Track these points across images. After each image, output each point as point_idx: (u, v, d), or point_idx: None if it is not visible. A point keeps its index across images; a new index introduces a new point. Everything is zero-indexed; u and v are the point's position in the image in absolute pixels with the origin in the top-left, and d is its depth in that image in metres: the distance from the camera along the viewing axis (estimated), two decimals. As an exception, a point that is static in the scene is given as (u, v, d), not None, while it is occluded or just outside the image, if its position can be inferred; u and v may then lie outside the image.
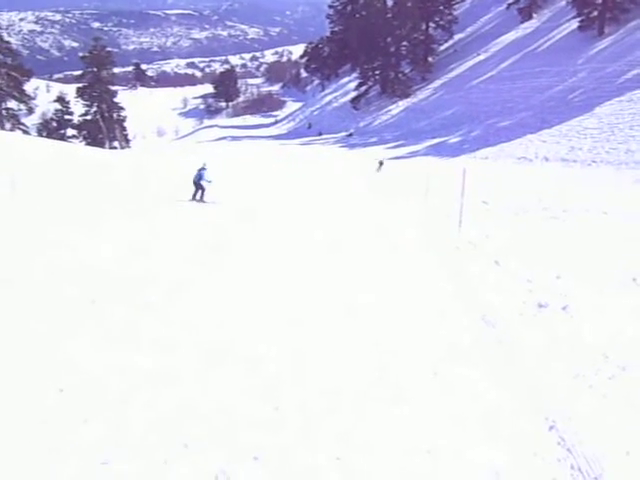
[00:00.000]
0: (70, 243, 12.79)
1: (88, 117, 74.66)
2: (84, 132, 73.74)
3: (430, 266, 12.15)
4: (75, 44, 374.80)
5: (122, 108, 78.87)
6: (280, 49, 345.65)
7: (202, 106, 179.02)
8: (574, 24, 54.99)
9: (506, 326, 8.46)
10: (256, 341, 7.86)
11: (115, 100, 78.38)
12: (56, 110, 76.92)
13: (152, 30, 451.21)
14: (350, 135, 66.18)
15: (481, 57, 66.82)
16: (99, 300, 9.08)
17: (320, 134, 72.57)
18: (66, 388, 6.37)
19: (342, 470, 5.27)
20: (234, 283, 10.39)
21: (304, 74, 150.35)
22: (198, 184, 20.52)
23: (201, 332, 8.10)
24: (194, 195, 20.67)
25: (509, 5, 70.85)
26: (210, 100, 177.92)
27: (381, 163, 35.16)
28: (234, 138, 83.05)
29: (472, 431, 5.89)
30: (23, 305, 8.76)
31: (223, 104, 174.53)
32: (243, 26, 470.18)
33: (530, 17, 67.09)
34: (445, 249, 13.61)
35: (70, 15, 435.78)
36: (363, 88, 77.08)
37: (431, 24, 76.62)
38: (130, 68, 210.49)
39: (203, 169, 20.57)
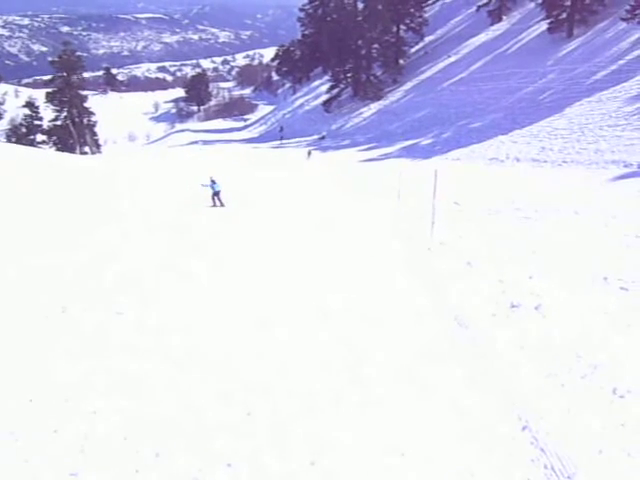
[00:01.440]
0: (41, 251, 12.63)
1: (58, 122, 73.88)
2: (54, 137, 72.95)
3: (402, 267, 12.14)
4: (44, 48, 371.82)
5: (92, 113, 78.13)
6: (251, 52, 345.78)
7: (173, 110, 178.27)
8: (543, 26, 55.39)
9: (479, 326, 8.46)
10: (225, 344, 7.80)
11: (85, 105, 77.60)
12: (25, 115, 76.09)
13: (122, 34, 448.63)
14: (322, 138, 66.16)
15: (452, 59, 67.12)
16: (70, 308, 8.96)
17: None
18: (36, 398, 6.26)
19: (316, 475, 5.21)
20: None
21: (276, 77, 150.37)
22: (215, 193, 22.50)
23: (172, 337, 8.02)
24: (213, 203, 22.61)
25: (479, 7, 71.23)
26: (181, 104, 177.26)
27: (309, 153, 36.41)
28: (206, 142, 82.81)
29: (446, 432, 5.88)
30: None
31: (195, 108, 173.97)
32: (214, 30, 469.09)
33: (500, 19, 67.51)
34: (417, 250, 13.62)
35: (39, 19, 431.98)
36: (335, 91, 77.09)
37: (402, 27, 76.78)
38: (100, 72, 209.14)
39: (213, 182, 22.42)
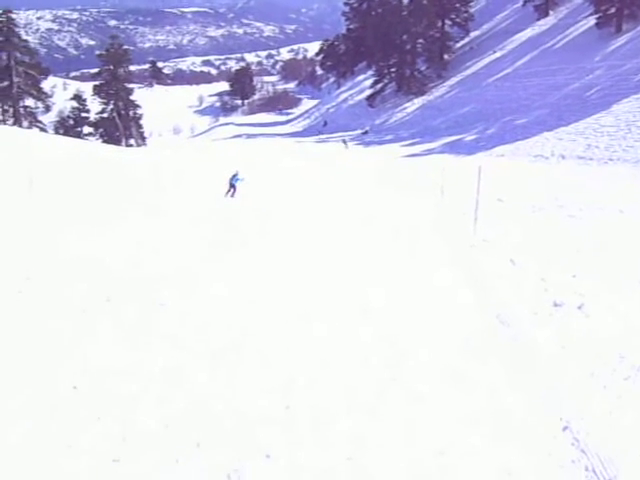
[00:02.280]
0: (87, 241, 12.89)
1: (105, 115, 74.60)
2: (100, 130, 73.72)
3: (445, 264, 12.13)
4: (92, 42, 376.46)
5: (138, 106, 78.82)
6: (296, 47, 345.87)
7: (218, 104, 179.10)
8: (591, 21, 54.60)
9: (521, 325, 8.43)
10: (267, 337, 7.90)
11: (131, 98, 78.26)
12: (73, 108, 76.98)
13: (168, 28, 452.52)
14: (365, 133, 66.03)
15: (497, 55, 66.49)
16: (113, 298, 9.15)
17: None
18: (79, 385, 6.42)
19: (354, 470, 5.27)
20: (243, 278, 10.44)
21: (320, 72, 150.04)
22: (231, 184, 23.84)
23: (213, 330, 8.15)
24: (227, 192, 23.85)
25: (525, 2, 70.45)
26: (226, 98, 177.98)
27: (344, 142, 35.30)
28: (249, 136, 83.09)
29: (486, 431, 5.87)
30: (39, 302, 8.84)
31: (239, 102, 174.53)
32: (259, 24, 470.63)
33: (546, 14, 66.67)
34: (460, 247, 13.60)
35: (87, 13, 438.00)
36: (379, 86, 76.87)
37: (447, 21, 76.29)
38: (146, 66, 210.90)
39: (236, 175, 23.92)
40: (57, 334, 7.70)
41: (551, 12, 66.65)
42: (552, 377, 6.87)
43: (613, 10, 51.51)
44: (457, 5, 75.88)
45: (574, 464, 5.39)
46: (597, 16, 52.85)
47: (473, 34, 76.97)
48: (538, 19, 67.01)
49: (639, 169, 26.73)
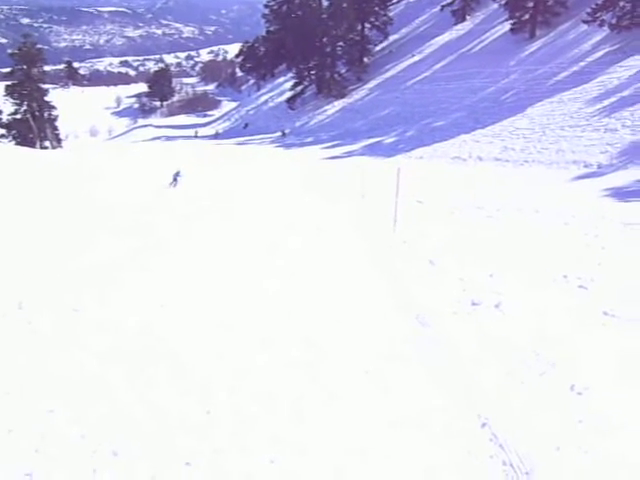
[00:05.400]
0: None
1: (18, 116, 72.55)
2: (14, 131, 71.75)
3: (363, 265, 12.14)
4: (4, 40, 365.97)
5: (53, 107, 76.85)
6: (215, 48, 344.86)
7: (136, 105, 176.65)
8: (506, 26, 55.86)
9: (440, 324, 8.49)
10: (185, 344, 7.74)
11: (46, 99, 76.27)
12: (-17, 109, 74.77)
13: (84, 27, 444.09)
14: (284, 135, 66.08)
15: (416, 58, 67.40)
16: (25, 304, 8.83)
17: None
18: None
19: (275, 473, 5.20)
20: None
21: (240, 73, 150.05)
22: (175, 178, 26.55)
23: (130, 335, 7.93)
24: (170, 184, 26.41)
25: (443, 7, 71.70)
26: (144, 99, 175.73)
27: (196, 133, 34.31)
28: (169, 138, 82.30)
29: (406, 430, 5.89)
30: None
31: (158, 103, 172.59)
32: (178, 24, 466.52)
33: (464, 19, 67.97)
34: (379, 248, 13.63)
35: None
36: (299, 88, 77.06)
37: (367, 25, 76.97)
38: (62, 66, 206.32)
39: (178, 172, 26.82)
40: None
41: (468, 17, 67.98)
42: (471, 375, 6.94)
43: (527, 16, 52.86)
44: (376, 9, 76.64)
45: (492, 459, 5.50)
46: (512, 22, 54.13)
47: (392, 37, 77.85)
48: (455, 24, 68.24)
49: (553, 170, 27.47)
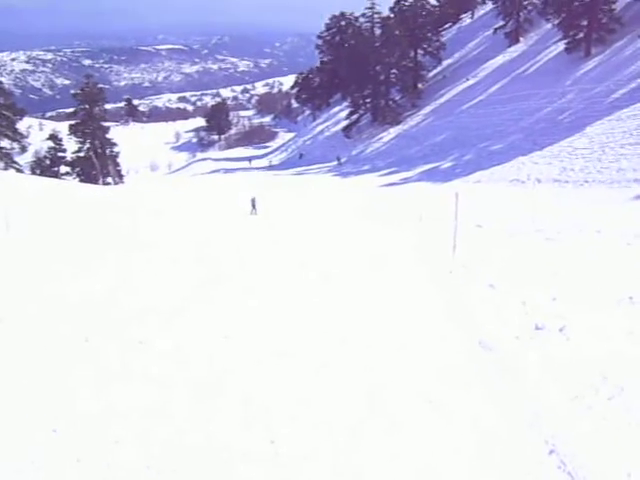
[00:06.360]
0: (64, 280, 12.70)
1: (81, 154, 74.42)
2: (77, 169, 73.57)
3: (424, 291, 12.07)
4: (67, 82, 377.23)
5: (115, 144, 78.75)
6: (270, 80, 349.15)
7: (194, 139, 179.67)
8: (561, 46, 55.50)
9: (503, 349, 8.37)
10: (249, 374, 7.77)
11: (107, 136, 78.22)
12: (49, 148, 76.53)
13: (143, 66, 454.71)
14: (340, 163, 66.38)
15: (470, 82, 67.32)
16: (92, 337, 8.98)
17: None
18: (59, 428, 6.27)
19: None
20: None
21: (295, 104, 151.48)
22: (253, 204, 30.18)
23: (194, 366, 8.01)
24: (251, 212, 30.09)
25: (496, 30, 71.59)
26: (202, 133, 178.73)
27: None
28: (227, 170, 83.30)
29: (471, 458, 5.80)
30: (14, 344, 8.66)
31: (215, 137, 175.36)
32: (233, 59, 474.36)
33: (517, 41, 67.73)
34: (439, 273, 13.55)
35: (61, 53, 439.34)
36: (354, 116, 77.58)
37: (419, 51, 77.38)
38: (122, 104, 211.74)
39: (254, 198, 30.32)
40: (35, 376, 7.54)
41: (521, 39, 67.72)
42: (536, 401, 6.81)
43: (581, 35, 52.36)
44: (429, 35, 77.04)
45: None
46: (566, 41, 53.73)
47: (445, 62, 78.02)
48: (509, 46, 68.07)
49: (614, 190, 27.01)
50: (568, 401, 6.78)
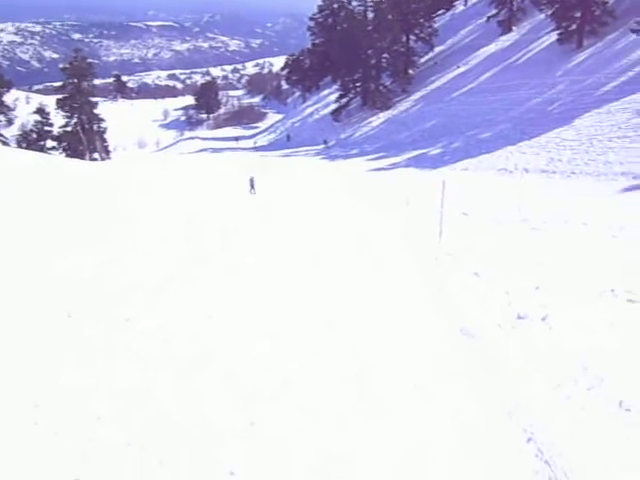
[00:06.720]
0: (51, 256, 12.65)
1: (68, 129, 73.94)
2: (64, 144, 73.07)
3: (408, 277, 12.12)
4: (55, 55, 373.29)
5: (102, 120, 78.31)
6: (261, 61, 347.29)
7: (183, 118, 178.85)
8: (553, 37, 55.37)
9: (485, 337, 8.43)
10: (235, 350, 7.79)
11: (95, 112, 77.75)
12: (36, 121, 75.80)
13: (133, 42, 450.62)
14: (327, 147, 66.24)
15: (461, 69, 67.16)
16: (75, 314, 8.97)
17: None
18: (41, 403, 6.27)
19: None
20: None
21: (285, 86, 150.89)
22: (251, 184, 30.10)
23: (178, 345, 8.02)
24: (250, 191, 30.03)
25: (489, 18, 71.35)
26: (191, 112, 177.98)
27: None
28: (215, 150, 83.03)
29: (451, 444, 5.86)
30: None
31: (204, 116, 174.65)
32: (224, 38, 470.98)
33: (510, 30, 67.56)
34: (424, 260, 13.59)
35: (51, 26, 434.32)
36: (344, 100, 77.30)
37: (411, 37, 77.05)
38: (111, 80, 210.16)
39: (252, 178, 30.30)
40: (18, 351, 7.53)
41: (514, 28, 67.57)
42: (517, 389, 6.88)
43: (574, 26, 52.31)
44: (421, 20, 76.71)
45: (538, 475, 5.45)
46: (559, 32, 53.62)
47: (437, 49, 77.76)
48: (501, 34, 67.89)
49: (601, 182, 27.12)
50: (548, 390, 6.86)
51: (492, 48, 66.85)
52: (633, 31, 42.95)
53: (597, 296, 10.23)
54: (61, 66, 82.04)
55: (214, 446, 5.75)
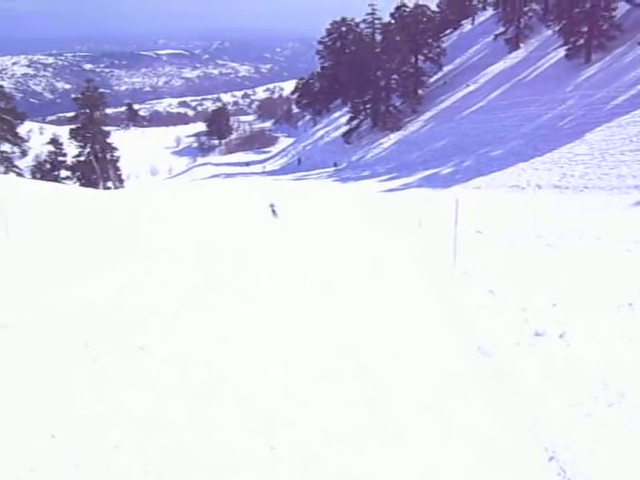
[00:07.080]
0: (66, 284, 12.70)
1: (82, 158, 74.41)
2: (78, 173, 73.55)
3: (424, 296, 12.06)
4: (68, 86, 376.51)
5: (115, 148, 78.79)
6: (271, 86, 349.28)
7: (195, 144, 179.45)
8: (561, 52, 55.58)
9: (502, 356, 8.36)
10: (249, 375, 7.77)
11: (108, 140, 78.21)
12: (49, 152, 76.34)
13: (144, 70, 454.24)
14: (338, 169, 66.38)
15: (470, 88, 67.39)
16: (92, 343, 8.98)
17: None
18: (58, 434, 6.27)
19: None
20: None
21: (295, 110, 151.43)
22: (273, 210, 30.30)
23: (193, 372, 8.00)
24: (273, 216, 30.14)
25: (496, 36, 71.71)
26: (203, 138, 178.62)
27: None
28: (227, 175, 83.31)
29: (470, 464, 5.80)
30: (15, 350, 8.66)
31: (216, 142, 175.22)
32: (234, 64, 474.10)
33: (517, 47, 67.81)
34: (439, 279, 13.54)
35: (62, 58, 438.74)
36: (354, 122, 77.60)
37: (420, 57, 77.49)
38: (123, 108, 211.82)
39: (273, 204, 30.73)
40: (35, 381, 7.53)
41: (522, 45, 67.82)
42: (536, 408, 6.80)
43: (582, 41, 52.43)
44: (429, 40, 77.17)
45: None
46: (567, 47, 53.81)
47: (446, 68, 78.14)
48: (509, 52, 68.16)
49: (614, 196, 27.04)
50: (568, 408, 6.77)
51: (501, 66, 67.09)
52: (641, 44, 43.02)
53: (615, 310, 10.15)
54: (73, 96, 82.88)
55: (232, 471, 5.73)
